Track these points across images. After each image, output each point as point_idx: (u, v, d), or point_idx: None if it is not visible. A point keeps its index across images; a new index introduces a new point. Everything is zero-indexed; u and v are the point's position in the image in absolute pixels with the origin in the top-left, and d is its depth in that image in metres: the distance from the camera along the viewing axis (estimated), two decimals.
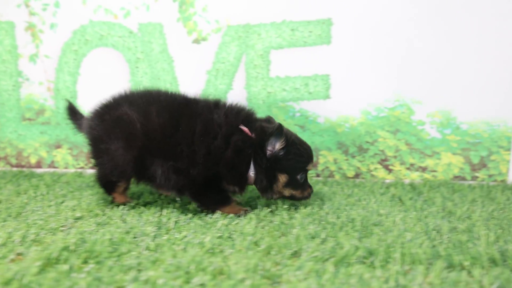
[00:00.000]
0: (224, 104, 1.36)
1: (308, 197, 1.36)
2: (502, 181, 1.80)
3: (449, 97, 1.78)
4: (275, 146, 1.27)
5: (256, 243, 1.09)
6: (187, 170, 1.29)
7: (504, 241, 1.08)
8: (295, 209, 1.41)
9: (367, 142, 1.85)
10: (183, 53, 1.93)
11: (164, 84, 1.97)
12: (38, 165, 2.09)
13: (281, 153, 1.28)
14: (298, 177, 1.32)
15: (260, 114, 1.89)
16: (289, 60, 1.84)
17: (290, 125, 1.88)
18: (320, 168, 1.88)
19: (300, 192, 1.34)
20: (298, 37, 1.82)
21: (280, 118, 1.87)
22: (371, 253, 1.00)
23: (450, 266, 0.94)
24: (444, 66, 1.76)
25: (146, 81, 1.98)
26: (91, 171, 2.05)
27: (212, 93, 1.92)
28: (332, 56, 1.81)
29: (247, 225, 1.22)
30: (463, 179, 1.83)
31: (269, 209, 1.39)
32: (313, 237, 1.12)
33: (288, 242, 1.08)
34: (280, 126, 1.25)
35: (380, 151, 1.85)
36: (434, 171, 1.84)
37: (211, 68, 1.91)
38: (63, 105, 2.06)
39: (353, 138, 1.85)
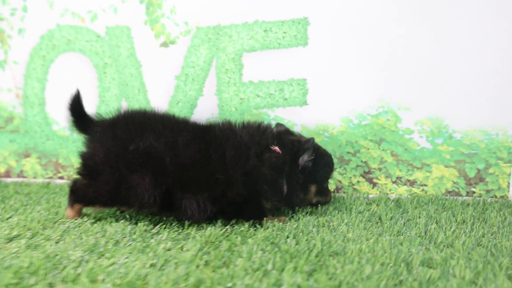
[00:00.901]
0: (242, 125, 1.35)
1: (330, 200, 1.47)
2: (502, 197, 1.57)
3: (441, 102, 1.57)
4: (304, 158, 1.32)
5: (187, 275, 0.92)
6: (223, 195, 1.26)
7: (484, 280, 0.87)
8: (255, 230, 1.23)
9: (349, 152, 1.65)
10: (151, 57, 1.78)
11: (132, 90, 1.82)
12: (7, 174, 1.98)
13: (310, 165, 1.33)
14: (325, 185, 1.42)
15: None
16: (263, 63, 1.67)
17: None
18: None
19: (324, 198, 1.43)
20: (272, 39, 1.64)
21: None
22: None
23: None
24: (435, 68, 1.55)
25: (114, 87, 1.84)
26: (59, 181, 1.92)
27: (182, 100, 1.76)
28: (309, 58, 1.63)
29: (189, 251, 1.05)
30: (458, 194, 1.61)
31: (223, 229, 1.21)
32: (255, 270, 0.93)
33: (223, 276, 0.90)
34: (312, 141, 1.32)
35: (363, 162, 1.65)
36: (424, 185, 1.63)
37: (180, 73, 1.75)
38: (32, 113, 1.94)
39: (333, 149, 1.66)
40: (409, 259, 0.99)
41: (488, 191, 1.59)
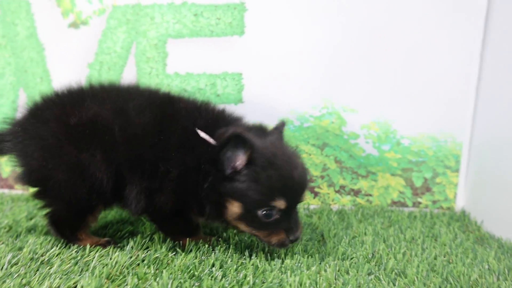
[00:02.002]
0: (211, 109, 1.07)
1: (280, 245, 0.97)
2: (448, 208, 1.48)
3: (389, 106, 1.45)
4: (235, 161, 0.92)
5: None
6: (155, 192, 1.04)
7: None
8: (174, 255, 1.01)
9: None
10: (57, 39, 1.49)
11: (33, 79, 1.51)
12: None
13: (240, 173, 0.93)
14: (259, 213, 0.93)
15: None
16: (192, 53, 1.44)
17: None
18: None
19: (265, 234, 0.97)
20: (203, 25, 1.42)
21: None
22: None
23: None
24: (384, 69, 1.43)
25: (9, 74, 1.52)
26: None
27: None
28: (245, 50, 1.43)
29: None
30: (404, 204, 1.50)
31: (133, 256, 0.98)
32: None
33: None
34: (236, 134, 0.90)
35: None
36: (369, 195, 1.49)
37: (94, 61, 1.48)
38: None
39: None
40: None
41: (434, 202, 1.49)
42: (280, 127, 1.05)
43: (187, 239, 1.07)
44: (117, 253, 1.01)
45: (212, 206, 0.96)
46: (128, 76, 1.47)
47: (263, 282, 0.86)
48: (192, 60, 1.44)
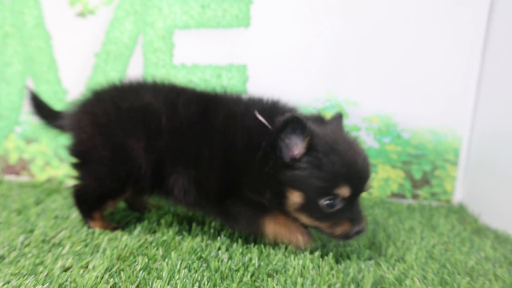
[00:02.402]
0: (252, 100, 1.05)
1: (344, 236, 0.92)
2: (447, 201, 1.52)
3: (391, 99, 1.48)
4: (293, 148, 0.88)
5: None
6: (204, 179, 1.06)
7: None
8: (181, 238, 1.05)
9: None
10: (64, 29, 1.52)
11: (40, 67, 1.54)
12: None
13: (300, 160, 0.88)
14: (321, 202, 0.88)
15: None
16: (198, 44, 1.47)
17: None
18: None
19: (328, 225, 0.92)
20: (210, 16, 1.45)
21: None
22: None
23: None
24: (386, 62, 1.46)
25: (17, 62, 1.54)
26: None
27: (101, 81, 1.51)
28: (251, 42, 1.46)
29: (93, 271, 0.84)
30: (403, 197, 1.54)
31: (141, 239, 1.02)
32: None
33: None
34: (293, 117, 0.85)
35: None
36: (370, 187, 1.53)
37: (100, 50, 1.51)
38: None
39: None
40: (359, 278, 0.86)
41: (433, 194, 1.53)
42: (338, 117, 1.01)
43: (266, 220, 0.97)
44: (125, 237, 1.05)
45: (272, 194, 0.92)
46: (134, 67, 1.50)
47: (268, 265, 0.90)
48: (199, 51, 1.47)
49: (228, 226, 1.10)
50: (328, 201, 0.88)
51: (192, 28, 1.47)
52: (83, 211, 1.12)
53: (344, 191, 0.88)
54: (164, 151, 1.01)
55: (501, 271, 0.94)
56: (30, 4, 1.51)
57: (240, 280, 0.83)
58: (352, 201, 0.90)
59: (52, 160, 1.60)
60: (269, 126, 0.90)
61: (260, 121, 0.92)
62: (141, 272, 0.85)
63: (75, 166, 1.11)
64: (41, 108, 1.24)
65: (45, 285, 0.79)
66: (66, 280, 0.81)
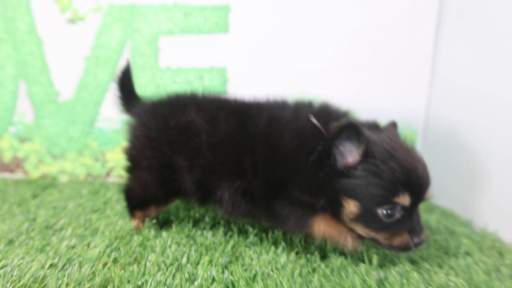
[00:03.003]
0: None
1: (403, 248, 0.88)
2: None
3: (354, 95, 1.65)
4: (348, 155, 0.87)
5: (93, 275, 0.86)
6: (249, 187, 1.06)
7: (389, 262, 0.94)
8: (171, 222, 1.20)
9: None
10: (55, 34, 1.64)
11: (32, 71, 1.66)
12: None
13: (356, 168, 0.86)
14: (379, 211, 0.86)
15: None
16: (182, 48, 1.62)
17: None
18: None
19: (386, 236, 0.89)
20: (192, 23, 1.60)
21: None
22: (227, 286, 0.81)
23: None
24: (349, 60, 1.63)
25: (10, 66, 1.66)
26: None
27: (92, 83, 1.65)
28: (230, 46, 1.62)
29: (96, 248, 0.99)
30: None
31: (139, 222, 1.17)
32: (169, 265, 0.91)
33: (133, 274, 0.86)
34: (350, 124, 0.84)
35: None
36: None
37: (90, 55, 1.64)
38: None
39: None
40: (322, 246, 1.04)
41: None
42: (393, 125, 1.00)
43: (316, 219, 0.95)
44: (120, 222, 1.19)
45: (327, 200, 0.90)
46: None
47: (246, 239, 1.06)
48: (182, 55, 1.62)
49: (278, 228, 1.11)
50: (387, 211, 0.85)
51: (176, 34, 1.61)
52: (128, 206, 1.20)
53: (404, 199, 0.84)
54: (206, 167, 1.03)
55: (439, 237, 1.13)
56: (22, 11, 1.63)
57: (222, 251, 0.99)
58: (412, 210, 0.87)
59: (45, 157, 1.73)
60: (324, 131, 0.88)
61: (314, 124, 0.90)
62: (137, 248, 1.00)
63: (127, 168, 1.19)
64: (126, 86, 1.30)
65: (55, 259, 0.93)
66: (73, 255, 0.96)
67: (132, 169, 1.18)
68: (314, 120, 0.90)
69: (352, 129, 0.83)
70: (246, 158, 0.98)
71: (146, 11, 1.60)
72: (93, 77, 1.65)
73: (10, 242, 1.05)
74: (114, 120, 1.69)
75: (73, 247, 1.02)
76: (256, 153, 0.97)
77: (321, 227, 0.93)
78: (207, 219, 1.23)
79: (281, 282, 0.83)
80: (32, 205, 1.36)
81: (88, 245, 1.03)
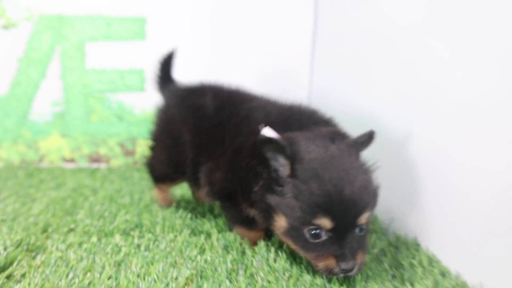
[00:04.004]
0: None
1: (327, 272, 0.86)
2: None
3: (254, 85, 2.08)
4: (279, 170, 0.87)
5: (36, 223, 1.20)
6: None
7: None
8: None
9: None
10: None
11: None
12: None
13: (284, 185, 0.86)
14: (305, 231, 0.85)
15: (76, 103, 1.98)
16: (106, 52, 1.96)
17: (107, 116, 1.99)
18: (137, 156, 2.04)
19: (312, 257, 0.88)
20: (114, 31, 1.95)
21: (96, 108, 1.98)
22: (137, 226, 1.20)
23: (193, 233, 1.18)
24: (246, 55, 2.05)
25: None
26: None
27: (24, 81, 1.94)
28: (147, 51, 1.98)
29: (36, 208, 1.32)
30: None
31: (69, 192, 1.51)
32: (96, 217, 1.28)
33: (68, 221, 1.22)
34: (270, 140, 0.85)
35: None
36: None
37: (23, 57, 1.93)
38: None
39: None
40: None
41: None
42: (362, 138, 0.92)
43: (244, 233, 1.10)
44: (54, 193, 1.53)
45: (261, 213, 0.93)
46: (53, 70, 1.94)
47: (156, 200, 1.45)
48: (106, 58, 1.96)
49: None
50: (311, 232, 0.84)
51: (100, 40, 1.94)
52: (151, 179, 1.41)
53: (324, 222, 0.82)
54: (200, 147, 1.14)
55: None
56: None
57: (137, 207, 1.37)
58: (343, 234, 0.83)
59: None
60: (276, 140, 0.85)
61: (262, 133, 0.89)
62: (70, 207, 1.36)
63: (150, 147, 1.38)
64: (166, 70, 1.50)
65: (4, 216, 1.26)
66: (19, 214, 1.29)
67: (153, 147, 1.37)
68: (265, 131, 0.88)
69: (273, 143, 0.84)
70: (217, 147, 1.08)
71: (73, 20, 1.92)
72: (25, 76, 1.94)
73: None
74: (45, 113, 1.98)
75: (18, 209, 1.35)
76: (224, 147, 1.05)
77: (238, 231, 1.12)
78: (126, 188, 1.60)
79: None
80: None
81: (30, 208, 1.36)
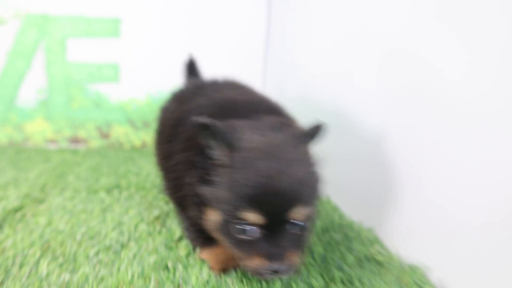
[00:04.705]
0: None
1: (255, 273, 0.80)
2: None
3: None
4: (215, 153, 0.82)
5: (28, 195, 1.54)
6: None
7: None
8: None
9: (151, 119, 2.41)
10: None
11: None
12: None
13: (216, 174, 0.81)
14: (234, 226, 0.79)
15: (58, 92, 2.29)
16: (85, 48, 2.28)
17: (86, 103, 2.31)
18: (112, 140, 2.37)
19: (240, 256, 0.82)
20: (93, 29, 2.27)
21: (76, 96, 2.29)
22: (116, 186, 1.56)
23: None
24: (200, 48, 2.41)
25: None
26: None
27: (12, 72, 2.23)
28: (121, 47, 2.31)
29: (31, 175, 1.65)
30: None
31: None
32: (85, 180, 1.62)
33: (61, 183, 1.56)
34: (203, 123, 0.79)
35: None
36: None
37: (11, 50, 2.22)
38: None
39: (140, 116, 2.38)
40: None
41: None
42: (311, 129, 0.85)
43: (202, 251, 0.99)
44: (42, 165, 1.85)
45: (194, 208, 0.87)
46: (38, 62, 2.24)
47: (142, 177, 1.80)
48: (85, 53, 2.28)
49: None
50: (238, 226, 0.78)
51: (80, 37, 2.26)
52: None
53: (253, 217, 0.76)
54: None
55: None
56: None
57: (114, 173, 1.72)
58: (273, 231, 0.77)
59: None
60: (213, 124, 0.79)
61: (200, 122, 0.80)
62: (60, 175, 1.69)
63: None
64: (193, 70, 1.61)
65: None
66: (15, 179, 1.61)
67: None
68: (199, 119, 0.79)
69: (211, 129, 0.78)
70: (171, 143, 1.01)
71: (56, 19, 2.22)
72: (13, 67, 2.23)
73: None
74: (30, 99, 2.29)
75: (17, 175, 1.67)
76: (167, 136, 1.05)
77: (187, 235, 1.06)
78: (106, 165, 1.94)
79: None
80: None
81: (27, 174, 1.68)
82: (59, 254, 1.01)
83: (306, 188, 0.79)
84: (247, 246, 0.79)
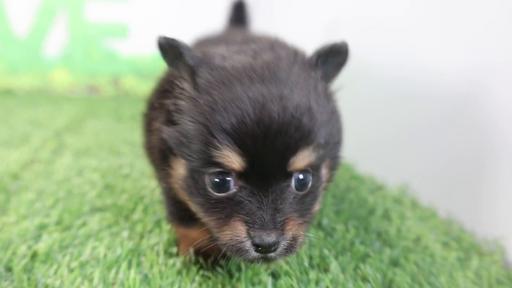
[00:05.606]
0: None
1: (231, 247, 0.59)
2: None
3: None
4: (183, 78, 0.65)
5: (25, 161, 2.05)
6: None
7: None
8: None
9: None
10: None
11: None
12: None
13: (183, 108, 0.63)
14: (208, 177, 0.60)
15: (78, 46, 2.76)
16: (99, 10, 2.73)
17: (100, 57, 2.78)
18: (121, 89, 2.85)
19: (216, 223, 0.61)
20: None
21: (93, 51, 2.76)
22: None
23: None
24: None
25: None
26: None
27: (39, 28, 2.69)
28: (129, 9, 2.76)
29: (39, 135, 2.16)
30: None
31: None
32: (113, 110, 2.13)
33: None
34: (161, 38, 0.63)
35: None
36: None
37: (38, 13, 2.67)
38: None
39: (146, 68, 2.85)
40: None
41: None
42: (325, 48, 0.66)
43: (180, 230, 0.79)
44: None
45: (164, 165, 0.68)
46: (61, 21, 2.69)
47: None
48: (99, 14, 2.73)
49: None
50: (213, 178, 0.58)
51: (95, 1, 2.71)
52: None
53: (230, 159, 0.56)
54: None
55: None
56: None
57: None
58: (262, 185, 0.57)
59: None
60: (176, 40, 0.63)
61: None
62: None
63: None
64: (240, 14, 1.44)
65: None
66: (31, 130, 2.11)
67: None
68: (160, 36, 0.63)
69: (176, 46, 0.61)
70: None
71: None
72: (40, 25, 2.69)
73: None
74: (54, 52, 2.75)
75: (51, 112, 2.16)
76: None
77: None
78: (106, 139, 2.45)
79: None
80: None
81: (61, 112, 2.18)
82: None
83: (315, 121, 0.56)
84: (222, 206, 0.58)
